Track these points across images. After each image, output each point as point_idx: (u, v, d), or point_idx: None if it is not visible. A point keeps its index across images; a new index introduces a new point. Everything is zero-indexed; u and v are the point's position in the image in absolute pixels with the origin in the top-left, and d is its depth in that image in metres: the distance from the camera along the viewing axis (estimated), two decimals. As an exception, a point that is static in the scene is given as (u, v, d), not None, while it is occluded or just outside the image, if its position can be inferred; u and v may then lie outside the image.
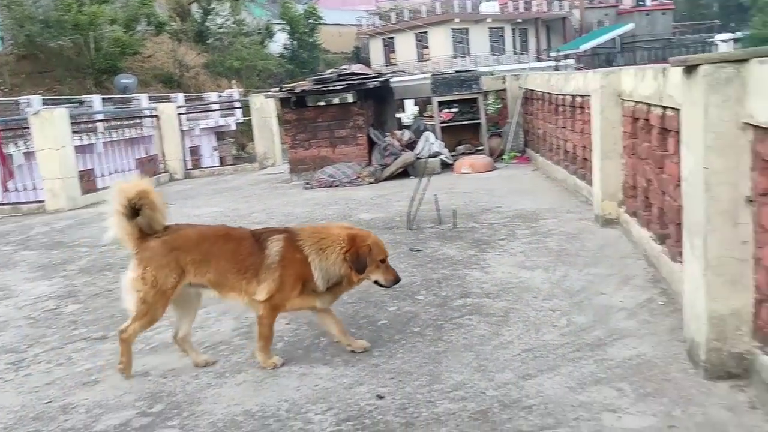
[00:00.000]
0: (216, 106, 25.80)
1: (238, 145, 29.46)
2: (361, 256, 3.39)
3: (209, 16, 38.39)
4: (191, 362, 3.60)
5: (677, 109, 3.56)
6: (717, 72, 2.71)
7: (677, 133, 3.49)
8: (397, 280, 3.52)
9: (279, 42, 42.65)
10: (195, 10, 39.68)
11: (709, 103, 2.73)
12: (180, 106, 15.96)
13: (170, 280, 3.36)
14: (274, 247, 3.41)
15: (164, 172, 12.86)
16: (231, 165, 15.63)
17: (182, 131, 13.74)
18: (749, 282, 2.81)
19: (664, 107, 4.15)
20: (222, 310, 4.45)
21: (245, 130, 25.29)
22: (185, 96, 25.73)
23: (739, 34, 45.65)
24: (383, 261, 3.48)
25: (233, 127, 28.35)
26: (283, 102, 10.83)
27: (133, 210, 3.34)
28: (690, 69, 2.91)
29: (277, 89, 11.16)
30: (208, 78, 35.70)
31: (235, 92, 29.94)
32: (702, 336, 2.92)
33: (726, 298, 2.85)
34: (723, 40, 34.01)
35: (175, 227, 3.51)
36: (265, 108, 13.05)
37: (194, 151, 21.27)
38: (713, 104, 2.73)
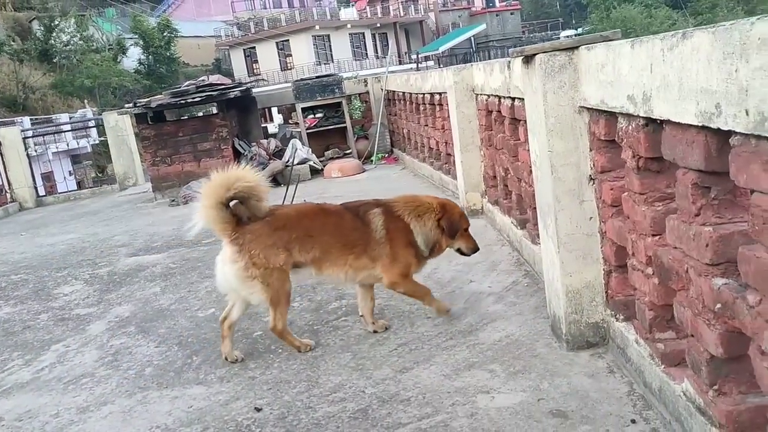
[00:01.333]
0: (68, 128, 24.17)
1: (97, 167, 27.85)
2: (454, 222, 3.60)
3: (53, 34, 35.99)
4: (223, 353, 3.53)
5: (523, 99, 3.73)
6: (551, 60, 2.86)
7: (526, 121, 3.66)
8: (476, 248, 3.75)
9: (134, 57, 40.78)
10: (36, 27, 37.13)
11: (547, 90, 2.89)
12: (25, 130, 14.82)
13: (281, 258, 3.34)
14: (377, 220, 3.50)
15: (12, 202, 11.86)
16: (89, 188, 14.70)
17: (29, 157, 12.80)
18: (598, 255, 3.00)
19: (513, 98, 4.36)
20: (83, 341, 4.15)
21: (103, 151, 23.94)
22: (32, 119, 23.98)
23: (580, 30, 49.30)
24: (466, 230, 3.69)
25: (90, 149, 26.76)
26: (139, 118, 10.34)
27: (229, 200, 3.24)
28: (528, 59, 3.06)
29: (131, 105, 10.63)
30: (58, 99, 33.52)
31: (88, 112, 28.24)
32: (561, 310, 3.08)
33: (579, 272, 3.02)
34: (567, 36, 36.62)
35: (271, 209, 3.45)
36: (120, 126, 12.40)
37: (48, 177, 19.87)
38: (550, 90, 2.89)
